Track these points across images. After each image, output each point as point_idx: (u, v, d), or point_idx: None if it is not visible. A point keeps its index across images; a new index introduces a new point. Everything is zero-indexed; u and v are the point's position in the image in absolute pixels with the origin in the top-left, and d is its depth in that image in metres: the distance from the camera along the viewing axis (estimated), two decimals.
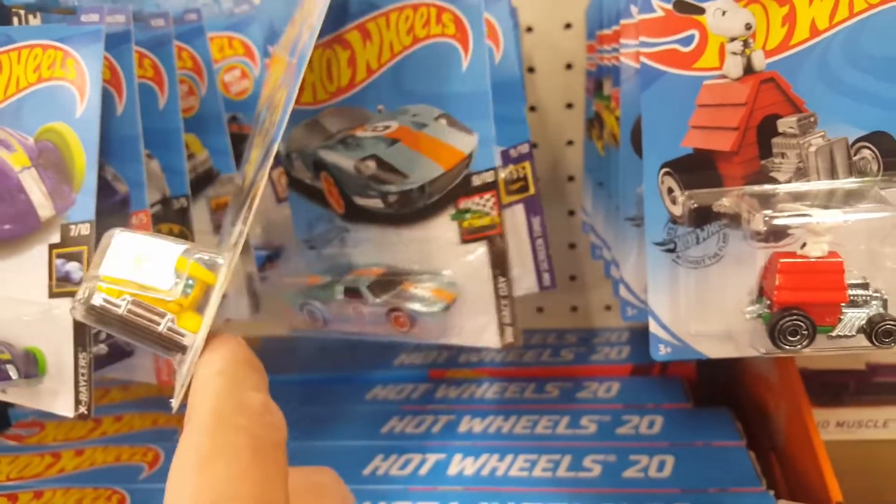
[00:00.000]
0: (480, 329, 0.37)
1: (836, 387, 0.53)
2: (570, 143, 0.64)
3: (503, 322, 0.37)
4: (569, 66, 0.62)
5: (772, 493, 0.41)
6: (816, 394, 0.50)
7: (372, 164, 0.38)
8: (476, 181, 0.37)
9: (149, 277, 0.24)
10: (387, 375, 0.62)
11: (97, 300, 0.24)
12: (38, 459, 0.54)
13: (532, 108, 0.63)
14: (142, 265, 0.24)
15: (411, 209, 0.38)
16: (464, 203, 0.37)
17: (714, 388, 0.56)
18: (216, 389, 0.22)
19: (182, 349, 0.24)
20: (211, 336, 0.24)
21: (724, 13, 0.31)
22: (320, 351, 0.68)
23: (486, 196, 0.37)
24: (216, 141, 0.44)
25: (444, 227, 0.37)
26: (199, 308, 0.25)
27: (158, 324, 0.24)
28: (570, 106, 0.63)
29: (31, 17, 0.38)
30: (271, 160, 0.27)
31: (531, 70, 0.62)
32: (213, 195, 0.45)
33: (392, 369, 0.63)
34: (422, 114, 0.37)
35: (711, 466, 0.44)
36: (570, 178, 0.65)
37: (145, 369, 0.37)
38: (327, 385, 0.62)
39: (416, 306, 0.37)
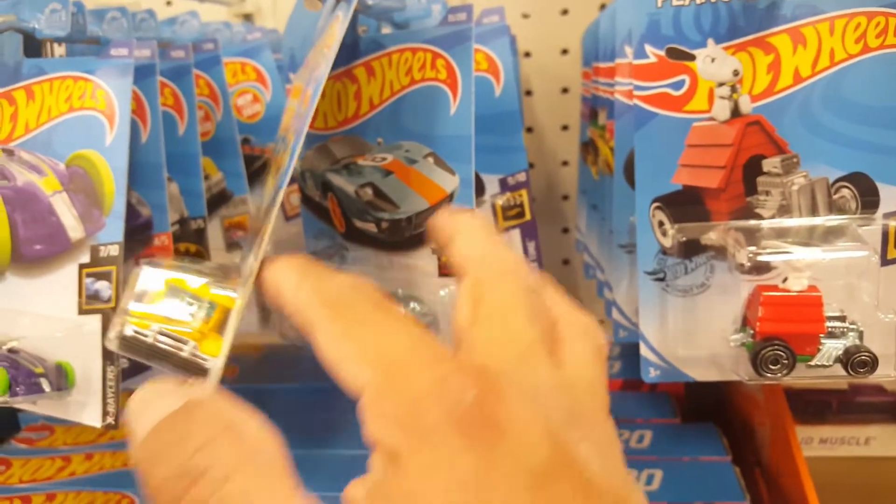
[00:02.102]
0: None
1: (819, 405, 0.55)
2: (565, 163, 0.66)
3: None
4: (565, 90, 0.64)
5: None
6: (800, 411, 0.53)
7: (369, 191, 0.40)
8: None
9: (173, 308, 0.27)
10: None
11: (128, 331, 0.26)
12: (49, 462, 0.56)
13: (529, 130, 0.65)
14: (166, 297, 0.27)
15: (400, 237, 0.40)
16: None
17: (701, 404, 0.58)
18: None
19: (204, 372, 0.27)
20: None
21: (713, 60, 0.34)
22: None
23: None
24: (230, 164, 0.46)
25: (425, 259, 0.39)
26: (220, 330, 0.27)
27: (183, 350, 0.26)
28: (565, 128, 0.65)
29: (56, 46, 0.40)
30: (280, 197, 0.29)
31: (529, 93, 0.64)
32: (227, 215, 0.47)
33: None
34: (413, 150, 0.39)
35: (698, 481, 0.47)
36: (565, 197, 0.67)
37: None
38: (333, 394, 0.63)
39: None
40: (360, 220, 0.41)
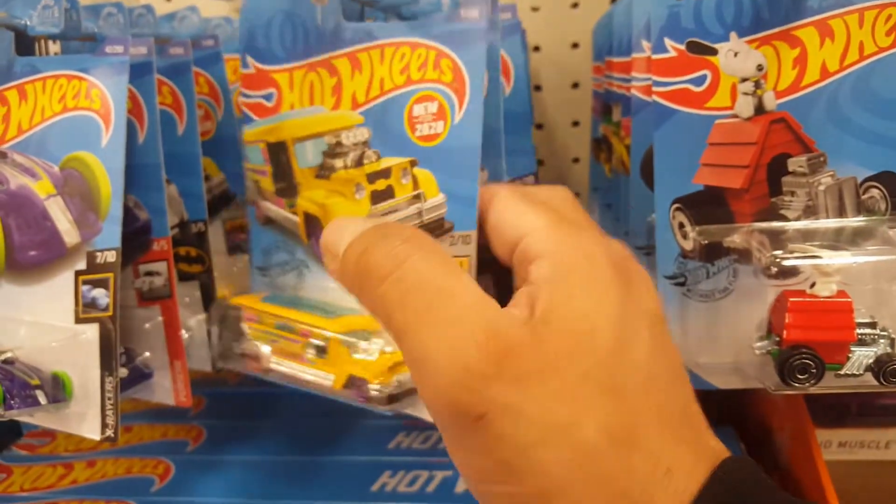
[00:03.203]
0: None
1: (839, 408, 0.54)
2: (575, 160, 0.65)
3: None
4: (575, 85, 0.63)
5: None
6: (819, 415, 0.51)
7: None
8: None
9: None
10: None
11: None
12: (50, 470, 0.55)
13: (539, 126, 0.64)
14: None
15: None
16: None
17: (720, 407, 0.57)
18: None
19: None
20: None
21: (736, 54, 0.32)
22: None
23: None
24: (233, 164, 0.44)
25: None
26: None
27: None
28: (576, 124, 0.64)
29: (51, 44, 0.39)
30: None
31: (538, 88, 0.63)
32: (229, 217, 0.45)
33: None
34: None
35: None
36: (576, 195, 0.65)
37: (164, 390, 0.38)
38: (331, 400, 0.63)
39: None
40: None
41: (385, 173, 0.35)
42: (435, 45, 0.33)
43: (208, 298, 0.41)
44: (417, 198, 0.34)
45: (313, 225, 0.37)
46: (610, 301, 0.23)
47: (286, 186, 0.38)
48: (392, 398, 0.33)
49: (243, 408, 0.61)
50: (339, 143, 0.35)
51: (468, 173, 0.32)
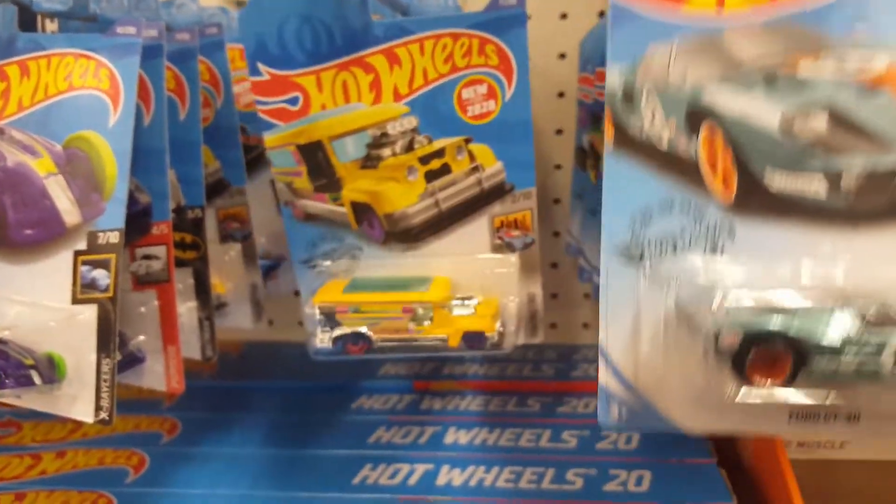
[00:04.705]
0: None
1: None
2: (558, 167, 0.66)
3: None
4: (561, 95, 0.64)
5: None
6: None
7: (822, 120, 0.25)
8: None
9: None
10: (371, 385, 0.63)
11: None
12: (17, 460, 0.53)
13: None
14: None
15: (877, 202, 0.25)
16: None
17: None
18: None
19: None
20: None
21: None
22: (303, 357, 0.69)
23: None
24: (230, 154, 0.44)
25: None
26: None
27: None
28: (559, 132, 0.66)
29: (48, 21, 0.38)
30: None
31: None
32: (222, 206, 0.45)
33: (377, 379, 0.64)
34: None
35: (686, 482, 0.47)
36: (556, 201, 0.67)
37: (156, 375, 0.38)
38: (312, 393, 0.63)
39: None
40: (786, 173, 0.25)
41: (439, 153, 0.39)
42: (477, 33, 0.37)
43: (202, 286, 0.41)
44: (475, 169, 0.39)
45: (362, 211, 0.40)
46: None
47: (327, 182, 0.40)
48: (503, 340, 0.40)
49: (219, 400, 0.60)
50: (384, 134, 0.38)
51: (523, 141, 0.37)
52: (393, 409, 0.60)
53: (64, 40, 0.35)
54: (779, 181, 0.25)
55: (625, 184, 0.27)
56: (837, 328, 0.24)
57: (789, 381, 0.25)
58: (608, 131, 0.27)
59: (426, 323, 0.39)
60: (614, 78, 0.28)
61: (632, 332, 0.26)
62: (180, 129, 0.39)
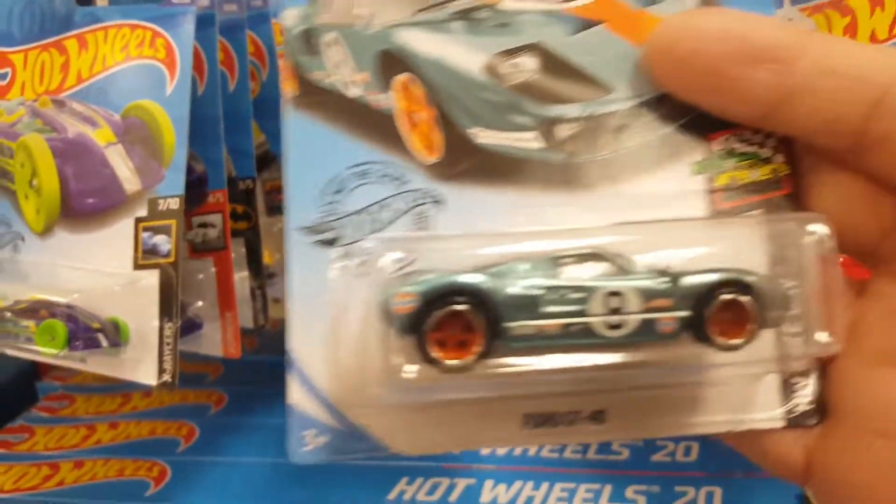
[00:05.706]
0: None
1: None
2: None
3: None
4: None
5: None
6: None
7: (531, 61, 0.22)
8: None
9: None
10: None
11: None
12: (73, 431, 0.55)
13: None
14: None
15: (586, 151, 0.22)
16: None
17: None
18: None
19: None
20: None
21: (790, 21, 0.33)
22: None
23: None
24: (275, 126, 0.45)
25: None
26: None
27: None
28: None
29: None
30: None
31: None
32: (269, 178, 0.46)
33: None
34: None
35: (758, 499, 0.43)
36: None
37: (213, 341, 0.39)
38: None
39: None
40: (493, 128, 0.21)
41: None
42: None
43: (253, 256, 0.42)
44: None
45: None
46: None
47: None
48: None
49: (263, 374, 0.61)
50: None
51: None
52: None
53: (119, 12, 0.36)
54: (487, 136, 0.21)
55: (310, 148, 0.21)
56: (529, 280, 0.19)
57: (485, 354, 0.19)
58: (286, 83, 0.21)
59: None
60: (292, 17, 0.22)
61: (330, 335, 0.20)
62: (230, 101, 0.40)
